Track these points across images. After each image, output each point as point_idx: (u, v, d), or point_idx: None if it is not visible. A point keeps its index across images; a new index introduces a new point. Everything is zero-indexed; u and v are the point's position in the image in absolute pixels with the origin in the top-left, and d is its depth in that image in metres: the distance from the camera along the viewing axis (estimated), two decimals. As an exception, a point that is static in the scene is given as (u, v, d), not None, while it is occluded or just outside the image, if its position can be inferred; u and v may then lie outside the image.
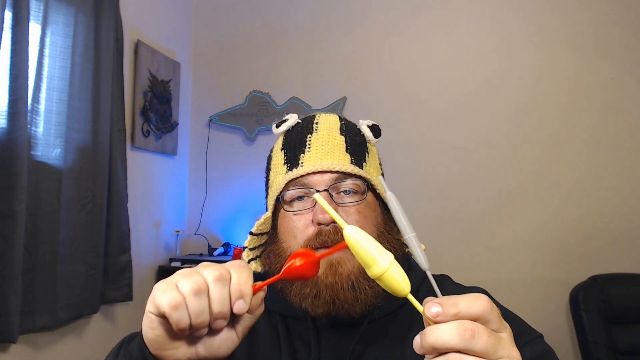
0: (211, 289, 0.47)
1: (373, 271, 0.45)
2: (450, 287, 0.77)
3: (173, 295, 0.46)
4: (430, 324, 0.42)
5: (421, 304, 0.43)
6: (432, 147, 2.53)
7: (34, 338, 1.69)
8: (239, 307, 0.48)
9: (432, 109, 2.53)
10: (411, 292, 0.76)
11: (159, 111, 2.47)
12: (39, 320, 1.66)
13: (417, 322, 0.70)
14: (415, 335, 0.40)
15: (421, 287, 0.75)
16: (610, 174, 2.31)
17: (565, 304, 2.24)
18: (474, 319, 0.41)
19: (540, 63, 2.42)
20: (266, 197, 0.81)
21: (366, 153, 0.75)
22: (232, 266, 0.50)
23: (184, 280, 0.47)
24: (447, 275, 0.80)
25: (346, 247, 0.47)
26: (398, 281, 0.45)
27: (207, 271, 0.48)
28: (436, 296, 0.44)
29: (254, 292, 0.50)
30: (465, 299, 0.41)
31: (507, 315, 0.74)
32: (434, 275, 0.46)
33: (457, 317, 0.40)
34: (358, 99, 2.63)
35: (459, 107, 2.50)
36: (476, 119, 2.47)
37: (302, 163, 0.71)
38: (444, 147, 2.51)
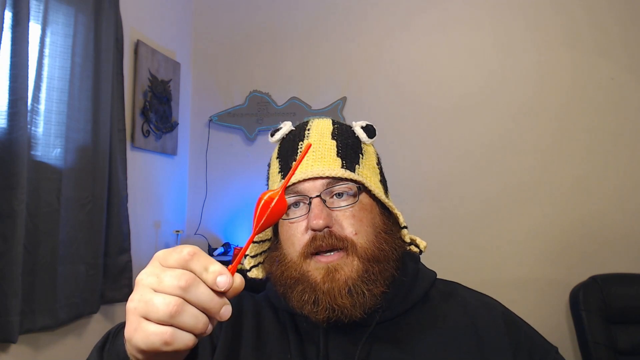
0: (190, 297, 0.41)
1: None
2: (464, 292, 0.76)
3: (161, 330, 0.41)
4: None
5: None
6: (432, 146, 2.53)
7: (34, 338, 1.69)
8: (224, 283, 0.42)
9: (433, 108, 2.53)
10: (420, 296, 0.76)
11: (159, 111, 2.47)
12: (39, 320, 1.66)
13: (427, 326, 0.71)
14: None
15: (430, 291, 0.75)
16: (610, 174, 2.31)
17: (565, 304, 2.24)
18: None
19: (540, 63, 2.42)
20: None
21: (360, 155, 0.75)
22: (185, 261, 0.43)
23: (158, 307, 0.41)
24: (457, 283, 0.80)
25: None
26: None
27: (170, 280, 0.41)
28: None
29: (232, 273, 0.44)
30: None
31: (520, 326, 0.74)
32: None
33: None
34: (358, 99, 2.62)
35: (459, 107, 2.50)
36: (476, 119, 2.47)
37: None
38: (443, 147, 2.51)
